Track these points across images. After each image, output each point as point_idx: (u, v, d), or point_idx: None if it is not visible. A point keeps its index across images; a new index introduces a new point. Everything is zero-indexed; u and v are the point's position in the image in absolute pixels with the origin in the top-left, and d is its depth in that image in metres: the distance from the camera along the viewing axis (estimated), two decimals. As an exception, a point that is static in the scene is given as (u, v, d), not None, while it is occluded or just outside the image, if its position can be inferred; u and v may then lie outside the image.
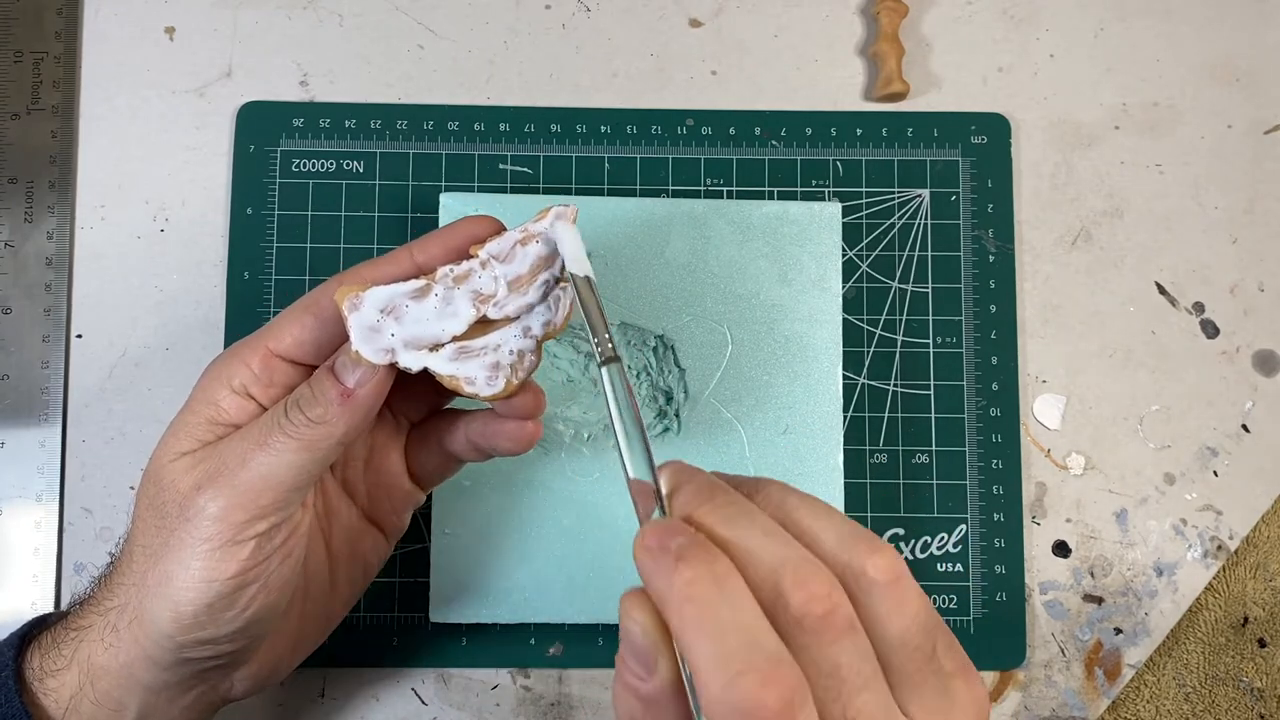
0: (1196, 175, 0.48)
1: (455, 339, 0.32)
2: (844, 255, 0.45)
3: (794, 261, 0.44)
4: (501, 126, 0.47)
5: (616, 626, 0.43)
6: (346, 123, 0.47)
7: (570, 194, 0.46)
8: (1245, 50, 0.49)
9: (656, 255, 0.44)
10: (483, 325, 0.33)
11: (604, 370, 0.30)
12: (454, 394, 0.33)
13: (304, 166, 0.46)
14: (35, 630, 0.34)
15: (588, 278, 0.31)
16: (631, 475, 0.28)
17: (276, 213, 0.46)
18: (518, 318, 0.33)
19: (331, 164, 0.47)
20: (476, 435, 0.36)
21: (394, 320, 0.32)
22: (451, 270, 0.32)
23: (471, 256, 0.33)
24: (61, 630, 0.33)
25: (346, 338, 0.32)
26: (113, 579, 0.33)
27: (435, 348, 0.32)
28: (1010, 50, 0.49)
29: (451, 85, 0.48)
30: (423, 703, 0.44)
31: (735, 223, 0.44)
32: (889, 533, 0.45)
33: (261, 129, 0.47)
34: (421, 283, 0.32)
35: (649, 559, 0.24)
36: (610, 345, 0.30)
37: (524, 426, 0.35)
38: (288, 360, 0.33)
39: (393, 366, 0.32)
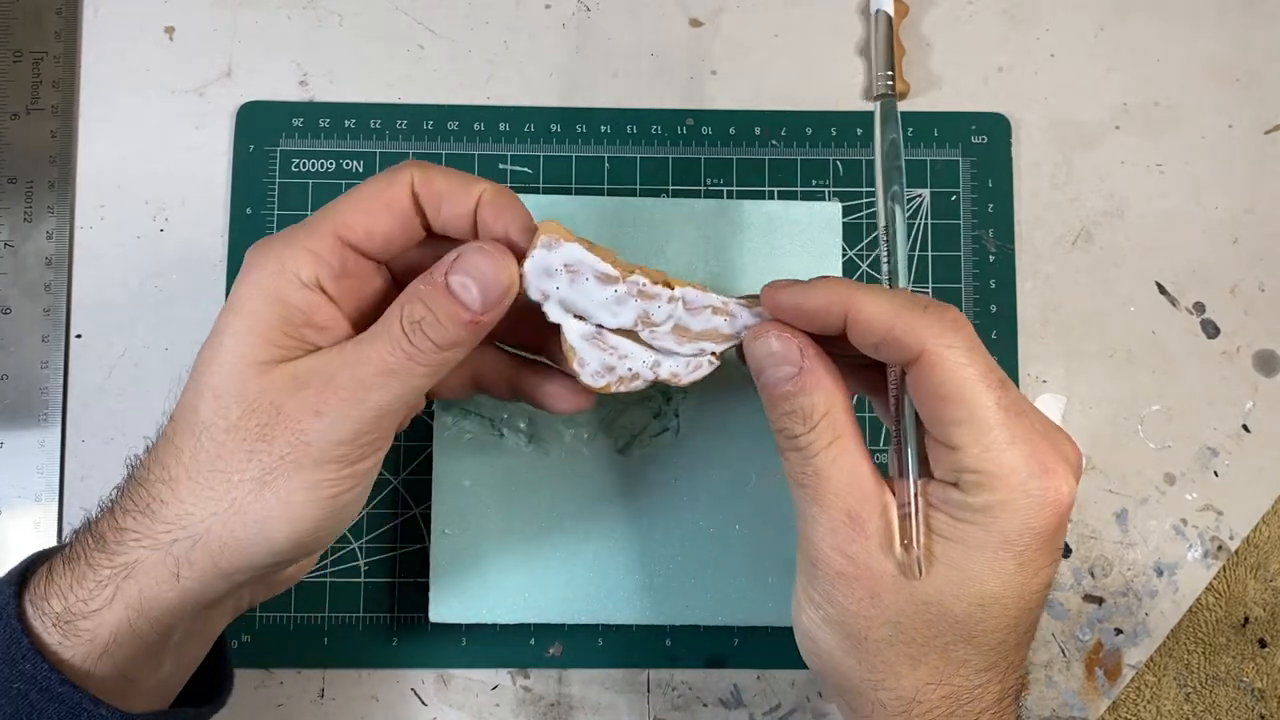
0: (1196, 175, 0.48)
1: (599, 326, 0.33)
2: (844, 255, 0.45)
3: (794, 261, 0.44)
4: (501, 126, 0.47)
5: (616, 626, 0.44)
6: (346, 122, 0.47)
7: (570, 194, 0.46)
8: (1245, 50, 0.49)
9: (656, 255, 0.44)
10: (626, 332, 0.34)
11: (876, 104, 0.35)
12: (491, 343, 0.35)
13: (304, 166, 0.46)
14: (35, 566, 0.31)
15: (888, 15, 0.35)
16: (881, 223, 0.34)
17: (276, 213, 0.46)
18: (658, 352, 0.34)
19: (331, 164, 0.47)
20: (528, 386, 0.36)
21: (568, 280, 0.32)
22: (642, 283, 0.33)
23: (670, 286, 0.34)
24: (86, 568, 0.30)
25: (419, 236, 0.33)
26: (167, 509, 0.30)
27: (579, 318, 0.33)
28: (1010, 50, 0.49)
29: (451, 85, 0.48)
30: (423, 703, 0.44)
31: (735, 223, 0.44)
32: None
33: (261, 129, 0.47)
34: (614, 272, 0.33)
35: (902, 302, 0.31)
36: (889, 83, 0.35)
37: (581, 396, 0.35)
38: (357, 250, 0.32)
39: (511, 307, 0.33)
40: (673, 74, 0.48)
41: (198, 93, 0.47)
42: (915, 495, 0.31)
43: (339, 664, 0.44)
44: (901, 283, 0.34)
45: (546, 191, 0.47)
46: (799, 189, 0.47)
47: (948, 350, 0.29)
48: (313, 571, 0.44)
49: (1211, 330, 0.47)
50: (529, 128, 0.47)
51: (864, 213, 0.47)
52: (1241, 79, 0.49)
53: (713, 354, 0.34)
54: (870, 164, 0.47)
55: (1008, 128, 0.48)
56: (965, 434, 0.29)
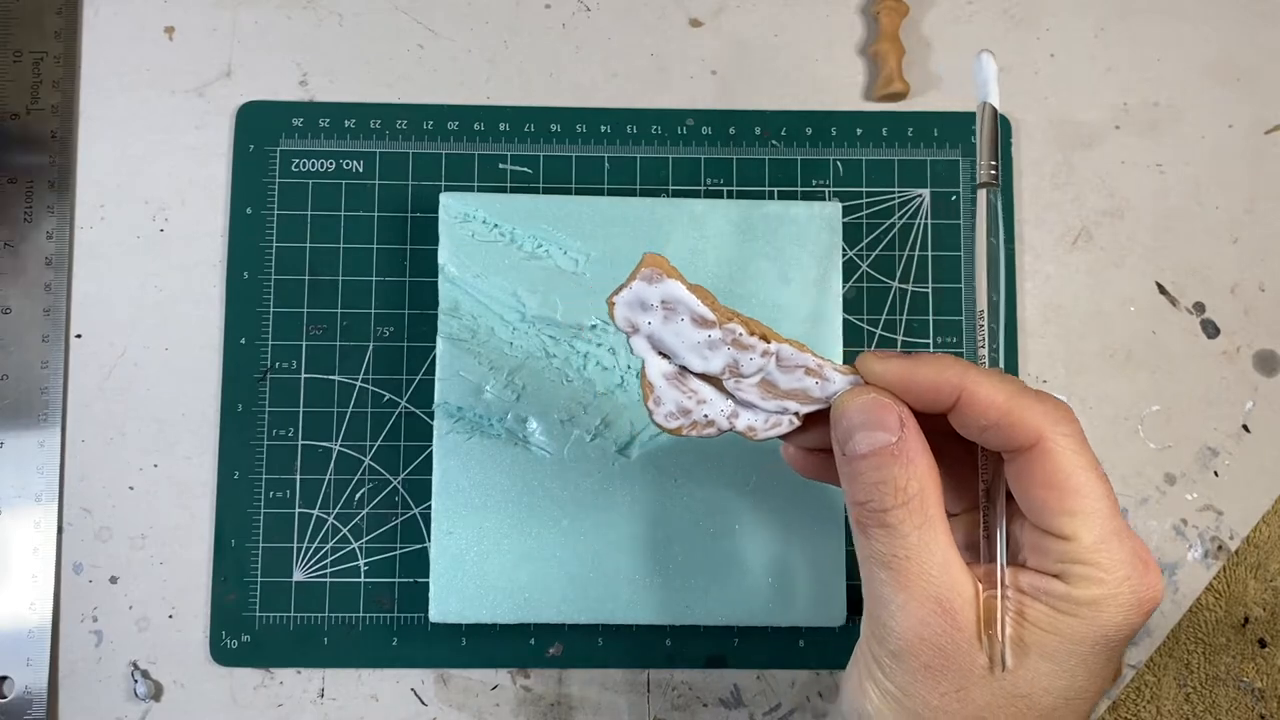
0: (1197, 175, 0.48)
1: (683, 368, 0.32)
2: (844, 255, 0.45)
3: (794, 261, 0.44)
4: (501, 126, 0.47)
5: (616, 626, 0.44)
6: (346, 122, 0.47)
7: (570, 193, 0.46)
8: (1245, 50, 0.49)
9: (656, 255, 0.44)
10: (709, 378, 0.32)
11: (979, 192, 0.34)
12: None
13: (303, 166, 0.46)
14: None
15: (994, 107, 0.34)
16: (980, 306, 0.33)
17: (276, 212, 0.46)
18: (738, 403, 0.33)
19: (331, 164, 0.47)
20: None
21: (662, 317, 0.32)
22: (739, 332, 0.32)
23: (767, 339, 0.32)
24: None
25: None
26: None
27: (664, 355, 0.32)
28: (1010, 50, 0.49)
29: (451, 85, 0.48)
30: (422, 703, 0.44)
31: (735, 223, 0.44)
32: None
33: (261, 129, 0.47)
34: (712, 316, 0.32)
35: (1017, 388, 0.30)
36: (993, 172, 0.34)
37: None
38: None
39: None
40: (673, 74, 0.48)
41: (198, 93, 0.47)
42: (1004, 585, 0.30)
43: (339, 664, 0.44)
44: (1000, 365, 0.33)
45: (547, 191, 0.47)
46: (799, 189, 0.47)
47: (1063, 439, 0.29)
48: (313, 571, 0.44)
49: (1211, 330, 0.47)
50: (529, 128, 0.47)
51: (864, 213, 0.47)
52: (1241, 79, 0.49)
53: (795, 414, 0.32)
54: (871, 164, 0.47)
55: (1008, 127, 0.48)
56: (1080, 525, 0.29)
